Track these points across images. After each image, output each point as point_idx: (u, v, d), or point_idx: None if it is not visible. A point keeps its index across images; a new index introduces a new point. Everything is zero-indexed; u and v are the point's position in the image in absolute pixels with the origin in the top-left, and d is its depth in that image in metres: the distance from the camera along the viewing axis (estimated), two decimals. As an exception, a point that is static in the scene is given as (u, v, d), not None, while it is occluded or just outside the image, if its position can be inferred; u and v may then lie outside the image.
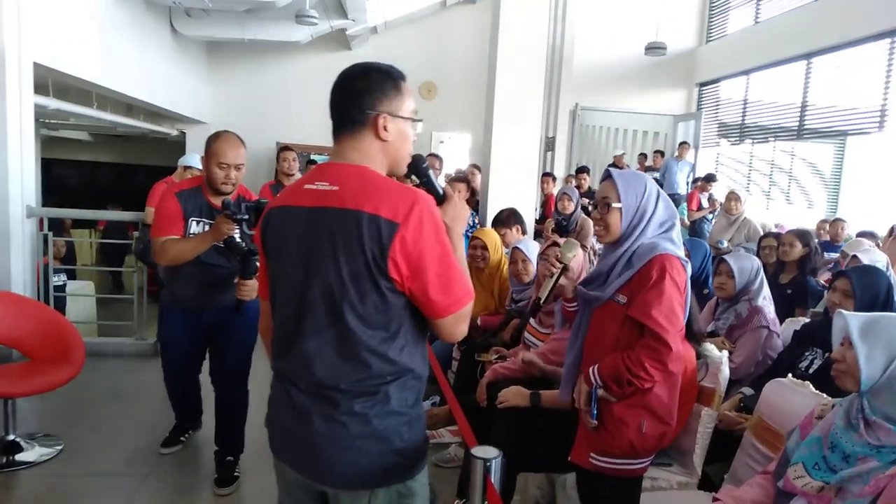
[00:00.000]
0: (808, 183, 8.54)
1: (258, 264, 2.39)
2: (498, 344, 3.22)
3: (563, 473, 2.20)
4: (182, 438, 3.20)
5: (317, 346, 1.26)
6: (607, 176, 1.81)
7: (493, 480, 1.25)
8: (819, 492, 1.45)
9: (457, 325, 1.29)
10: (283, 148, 5.23)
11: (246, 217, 2.38)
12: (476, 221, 4.82)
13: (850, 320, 1.48)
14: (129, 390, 3.93)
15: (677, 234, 1.79)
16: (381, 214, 1.19)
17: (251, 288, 2.51)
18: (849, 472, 1.41)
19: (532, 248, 3.38)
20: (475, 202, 5.29)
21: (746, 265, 2.87)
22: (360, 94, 1.29)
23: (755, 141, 9.62)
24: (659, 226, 1.75)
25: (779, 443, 1.98)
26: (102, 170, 12.70)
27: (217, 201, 2.55)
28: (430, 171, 1.43)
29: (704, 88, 10.78)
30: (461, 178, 5.37)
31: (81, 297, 5.44)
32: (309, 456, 1.30)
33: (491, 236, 3.78)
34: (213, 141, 2.54)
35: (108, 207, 9.62)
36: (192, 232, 2.58)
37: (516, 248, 3.39)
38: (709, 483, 2.29)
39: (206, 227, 2.56)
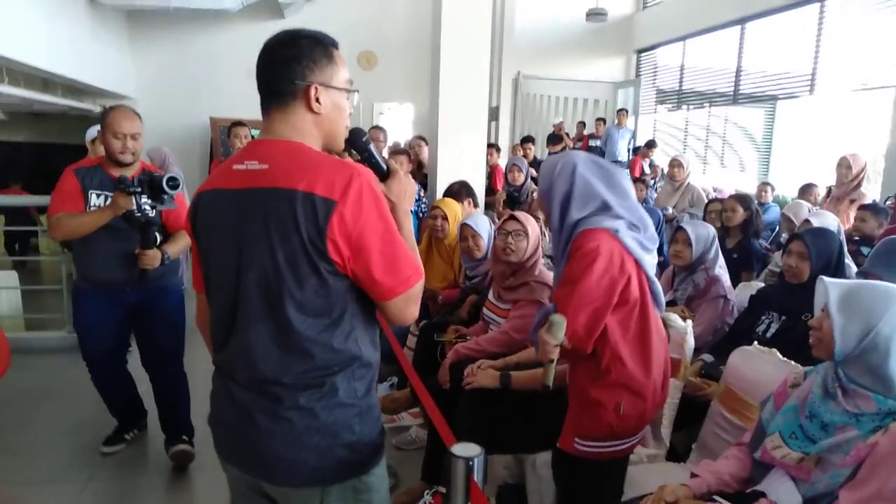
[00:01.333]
0: (741, 147, 8.80)
1: (157, 234, 2.60)
2: (455, 322, 3.14)
3: (532, 453, 2.16)
4: (126, 437, 3.01)
5: (255, 337, 1.17)
6: None
7: (476, 479, 1.18)
8: (798, 463, 1.44)
9: (406, 308, 1.21)
10: (235, 123, 4.85)
11: (139, 189, 2.48)
12: (423, 195, 4.68)
13: (831, 289, 1.45)
14: (62, 387, 3.67)
15: (624, 207, 1.71)
16: (316, 192, 1.11)
17: (151, 257, 2.59)
18: (828, 441, 1.40)
19: (481, 223, 3.27)
20: (423, 176, 5.16)
21: (703, 233, 2.87)
22: (289, 64, 1.19)
23: (691, 107, 9.80)
24: (583, 204, 1.69)
25: (747, 411, 1.99)
26: (20, 150, 11.85)
27: (117, 174, 2.59)
28: (372, 146, 1.33)
29: (642, 55, 10.88)
30: (401, 150, 5.19)
31: (4, 290, 5.04)
32: (254, 454, 1.22)
33: (452, 206, 3.67)
34: (108, 113, 2.61)
35: (9, 185, 8.99)
36: (93, 205, 2.61)
37: (465, 224, 3.26)
38: (674, 453, 2.30)
39: (108, 199, 2.60)
